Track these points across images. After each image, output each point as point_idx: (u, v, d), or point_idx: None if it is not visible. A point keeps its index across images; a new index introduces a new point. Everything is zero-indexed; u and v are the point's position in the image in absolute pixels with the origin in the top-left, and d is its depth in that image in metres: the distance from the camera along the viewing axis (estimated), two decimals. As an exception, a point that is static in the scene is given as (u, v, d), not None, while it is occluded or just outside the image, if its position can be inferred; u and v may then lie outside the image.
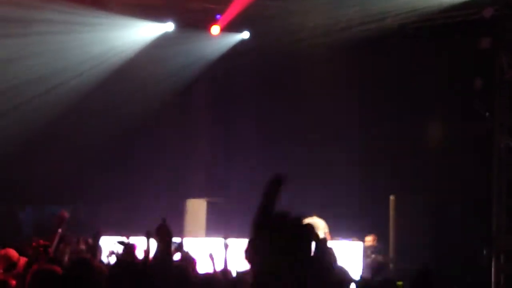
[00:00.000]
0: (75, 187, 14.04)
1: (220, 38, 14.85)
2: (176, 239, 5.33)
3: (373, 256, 11.99)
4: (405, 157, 12.81)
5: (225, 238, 6.22)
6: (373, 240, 12.35)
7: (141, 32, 14.29)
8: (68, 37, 13.17)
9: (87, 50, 13.68)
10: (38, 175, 13.58)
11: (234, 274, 5.65)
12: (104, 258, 7.45)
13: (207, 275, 5.49)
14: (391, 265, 12.02)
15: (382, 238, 12.50)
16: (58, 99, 13.54)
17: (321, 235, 12.62)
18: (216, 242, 6.10)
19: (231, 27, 14.59)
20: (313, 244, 2.88)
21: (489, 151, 11.88)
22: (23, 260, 5.87)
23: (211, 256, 5.99)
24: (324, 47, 13.55)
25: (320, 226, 12.72)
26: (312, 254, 2.28)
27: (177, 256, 6.06)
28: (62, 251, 6.40)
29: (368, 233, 12.40)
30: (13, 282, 4.48)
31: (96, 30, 13.52)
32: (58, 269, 3.72)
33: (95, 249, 6.78)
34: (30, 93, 13.25)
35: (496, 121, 11.77)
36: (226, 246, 6.00)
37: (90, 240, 7.22)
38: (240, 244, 11.42)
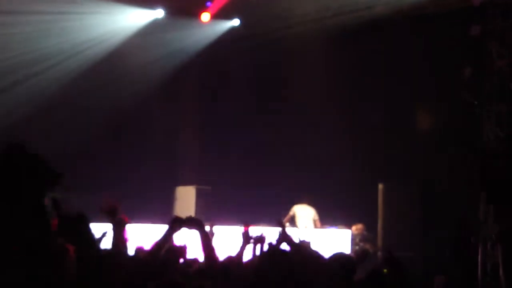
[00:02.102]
0: (66, 174, 13.95)
1: (210, 25, 14.81)
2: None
3: (361, 244, 12.04)
4: (393, 146, 12.84)
5: (211, 226, 6.20)
6: (361, 229, 12.40)
7: (130, 19, 14.23)
8: (55, 24, 13.09)
9: (74, 37, 13.61)
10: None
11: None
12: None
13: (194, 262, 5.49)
14: (379, 254, 12.07)
15: (370, 226, 12.54)
16: (45, 85, 13.47)
17: (310, 223, 12.67)
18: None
19: (221, 14, 14.54)
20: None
21: (478, 140, 11.90)
22: None
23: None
24: (314, 34, 13.53)
25: (310, 213, 12.77)
26: None
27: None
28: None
29: (357, 221, 12.44)
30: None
31: (84, 17, 13.45)
32: None
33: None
34: (16, 79, 13.18)
35: (484, 110, 11.79)
36: (212, 234, 5.99)
37: None
38: (227, 232, 11.44)
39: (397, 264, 4.67)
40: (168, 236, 3.87)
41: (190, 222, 3.93)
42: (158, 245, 3.84)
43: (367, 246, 11.90)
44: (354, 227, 12.34)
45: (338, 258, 4.90)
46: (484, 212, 11.61)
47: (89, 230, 2.88)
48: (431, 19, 12.51)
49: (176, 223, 3.87)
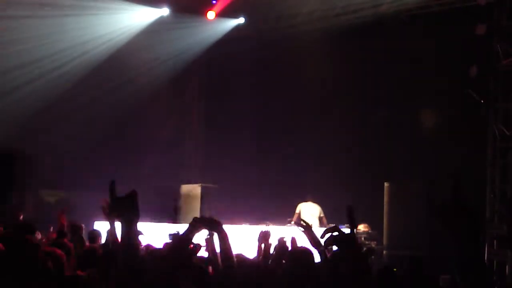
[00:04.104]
0: (70, 173, 14.02)
1: (215, 23, 14.82)
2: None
3: (366, 242, 12.03)
4: (400, 144, 12.81)
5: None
6: (365, 228, 12.40)
7: (136, 17, 14.25)
8: (62, 21, 13.12)
9: (81, 35, 13.64)
10: (35, 160, 13.57)
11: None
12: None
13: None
14: (384, 252, 12.06)
15: (376, 225, 12.52)
16: (51, 84, 13.50)
17: (316, 220, 12.66)
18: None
19: (227, 12, 14.55)
20: None
21: (484, 138, 11.89)
22: None
23: (207, 241, 5.97)
24: (319, 33, 13.52)
25: (316, 211, 12.75)
26: None
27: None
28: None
29: (362, 220, 12.42)
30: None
31: (91, 15, 13.47)
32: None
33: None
34: (23, 79, 13.22)
35: (490, 108, 11.78)
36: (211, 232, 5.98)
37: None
38: (233, 230, 11.43)
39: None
40: (188, 236, 3.86)
41: (210, 223, 3.94)
42: (178, 245, 3.83)
43: (373, 244, 11.90)
44: (358, 227, 12.34)
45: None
46: (491, 211, 11.60)
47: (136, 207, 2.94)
48: (436, 18, 12.48)
49: (196, 223, 3.87)
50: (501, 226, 11.36)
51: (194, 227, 3.82)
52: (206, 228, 3.96)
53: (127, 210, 2.94)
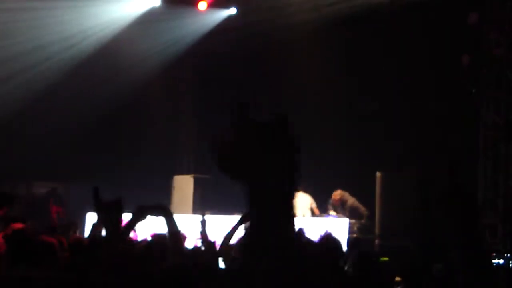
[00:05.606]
0: (62, 164, 13.97)
1: (207, 14, 14.75)
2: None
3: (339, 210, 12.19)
4: (391, 134, 12.82)
5: (203, 214, 6.19)
6: (340, 195, 12.48)
7: (127, 7, 14.17)
8: (52, 12, 13.04)
9: (73, 26, 13.57)
10: (26, 152, 13.52)
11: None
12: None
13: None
14: (376, 242, 12.06)
15: (368, 215, 12.55)
16: (43, 75, 13.45)
17: (307, 211, 12.67)
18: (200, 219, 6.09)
19: (218, 2, 14.50)
20: None
21: (476, 128, 11.90)
22: None
23: (202, 233, 5.98)
24: (311, 23, 13.49)
25: (307, 201, 12.75)
26: None
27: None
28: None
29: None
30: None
31: (81, 5, 13.39)
32: None
33: None
34: (13, 70, 13.16)
35: (482, 98, 11.78)
36: (203, 222, 5.98)
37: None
38: (220, 221, 11.42)
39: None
40: (131, 225, 3.77)
41: (155, 209, 3.86)
42: (120, 234, 3.71)
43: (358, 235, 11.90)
44: (333, 194, 12.47)
45: (326, 244, 4.80)
46: (483, 200, 11.63)
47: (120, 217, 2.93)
48: (428, 6, 12.46)
49: (140, 211, 3.78)
50: (494, 215, 11.40)
51: (139, 215, 3.76)
52: (153, 215, 3.89)
53: (112, 217, 2.93)
